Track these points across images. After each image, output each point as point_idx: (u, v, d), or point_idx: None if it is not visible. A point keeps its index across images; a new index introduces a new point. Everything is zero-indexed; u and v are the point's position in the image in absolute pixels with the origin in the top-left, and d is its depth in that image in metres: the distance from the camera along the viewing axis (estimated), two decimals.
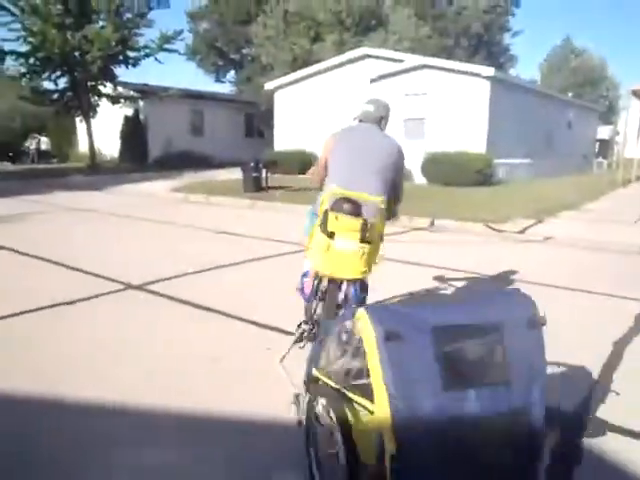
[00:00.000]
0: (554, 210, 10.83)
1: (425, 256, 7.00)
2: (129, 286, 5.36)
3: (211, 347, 3.86)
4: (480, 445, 1.80)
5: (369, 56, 19.17)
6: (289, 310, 4.56)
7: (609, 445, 2.71)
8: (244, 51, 38.36)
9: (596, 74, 45.02)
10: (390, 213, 3.58)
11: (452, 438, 1.77)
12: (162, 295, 5.09)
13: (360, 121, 3.73)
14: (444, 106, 17.31)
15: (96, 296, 5.01)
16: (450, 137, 16.90)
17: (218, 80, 41.82)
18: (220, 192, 13.06)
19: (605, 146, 32.07)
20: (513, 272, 6.22)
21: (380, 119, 3.75)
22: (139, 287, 5.34)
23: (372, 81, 18.85)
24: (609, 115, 42.04)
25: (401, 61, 18.39)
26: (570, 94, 33.88)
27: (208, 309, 4.70)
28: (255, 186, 13.28)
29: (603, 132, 32.96)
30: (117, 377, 3.38)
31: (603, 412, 3.04)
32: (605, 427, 2.88)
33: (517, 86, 19.83)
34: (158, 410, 3.01)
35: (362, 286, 3.38)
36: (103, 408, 3.02)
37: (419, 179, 16.92)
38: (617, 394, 3.26)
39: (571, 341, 4.14)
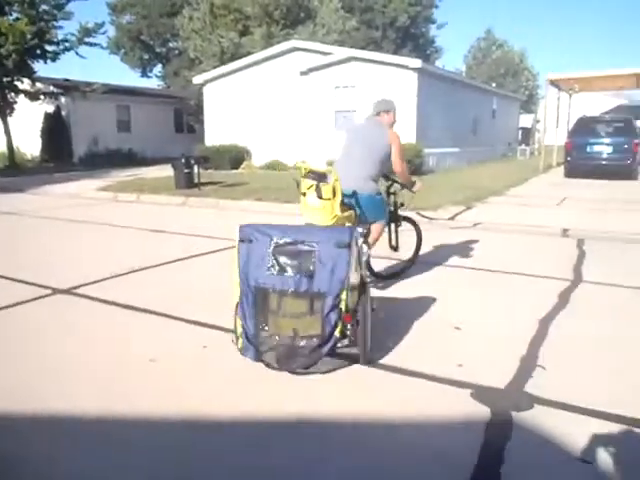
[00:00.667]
0: (482, 197, 11.23)
1: None
2: (56, 290, 5.13)
3: (148, 348, 3.76)
4: (289, 303, 3.24)
5: (298, 49, 19.16)
6: (226, 307, 4.52)
7: (538, 419, 2.85)
8: (170, 44, 37.46)
9: (516, 65, 46.87)
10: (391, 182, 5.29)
11: (273, 296, 3.25)
12: (94, 298, 4.90)
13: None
14: (373, 98, 17.52)
15: (19, 303, 4.77)
16: None
17: (144, 75, 40.65)
18: (151, 190, 12.71)
19: (527, 134, 33.55)
20: (445, 257, 6.41)
21: (378, 112, 4.97)
22: (68, 291, 5.12)
23: (302, 74, 18.87)
24: (530, 104, 43.92)
25: (330, 54, 18.48)
26: (493, 84, 35.14)
27: (144, 310, 4.57)
28: (187, 183, 13.00)
29: (525, 120, 34.45)
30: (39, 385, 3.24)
31: (531, 387, 3.19)
32: (533, 401, 3.02)
33: (443, 77, 20.38)
34: (91, 415, 2.90)
35: None
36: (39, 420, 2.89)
37: None
38: (543, 369, 3.42)
39: (500, 319, 4.32)
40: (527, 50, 48.32)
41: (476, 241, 7.55)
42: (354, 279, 3.31)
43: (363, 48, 23.61)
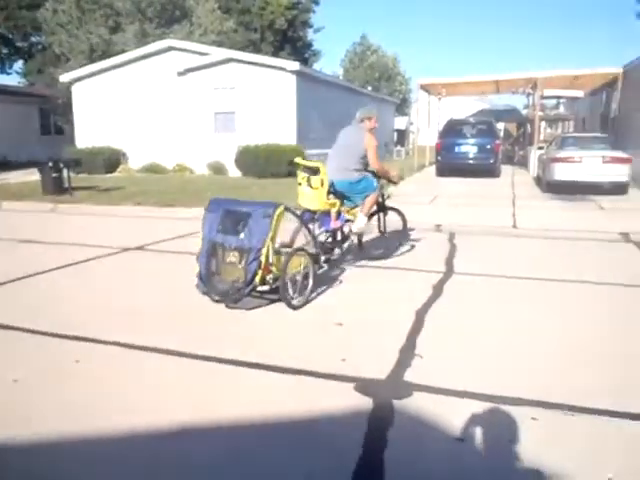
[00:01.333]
0: None
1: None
2: None
3: (11, 368, 3.46)
4: (229, 254, 4.47)
5: (174, 48, 18.63)
6: (103, 317, 4.28)
7: (417, 404, 3.00)
8: (33, 39, 34.79)
9: (390, 70, 49.07)
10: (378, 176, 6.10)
11: (219, 250, 4.50)
12: None
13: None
14: (253, 100, 17.53)
15: None
16: (261, 130, 17.19)
17: (3, 71, 37.40)
18: (15, 196, 11.74)
19: (402, 135, 35.24)
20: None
21: (362, 120, 6.03)
22: None
23: (179, 74, 18.39)
24: (404, 107, 46.15)
25: (208, 54, 18.17)
26: (369, 88, 36.52)
27: (8, 327, 4.20)
28: (56, 188, 12.13)
29: (400, 123, 36.14)
30: None
31: (410, 375, 3.35)
32: (412, 388, 3.17)
33: (322, 80, 20.82)
34: None
35: (328, 216, 5.58)
36: None
37: (234, 172, 16.97)
38: (421, 357, 3.61)
39: (380, 313, 4.49)
40: (399, 55, 50.66)
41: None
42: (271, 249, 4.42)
43: (242, 50, 23.46)
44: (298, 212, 5.20)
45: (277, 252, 4.55)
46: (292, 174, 15.69)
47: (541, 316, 4.48)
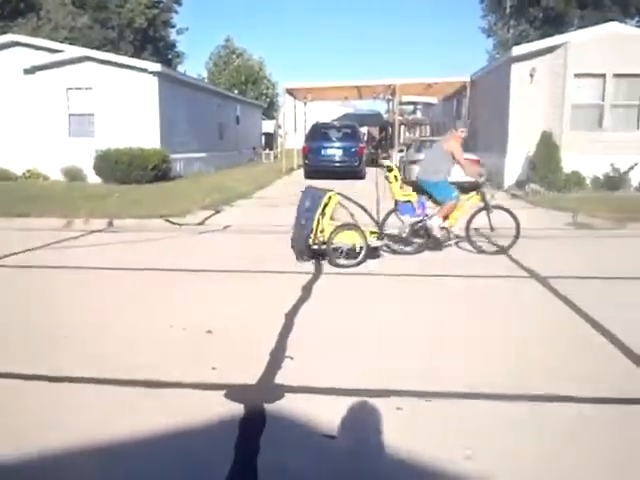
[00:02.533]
0: (231, 200, 11.51)
1: (91, 260, 6.67)
2: None
3: None
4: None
5: (20, 44, 17.09)
6: None
7: (288, 406, 3.00)
8: None
9: (256, 73, 49.18)
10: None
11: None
12: None
13: None
14: (113, 101, 16.61)
15: None
16: (123, 133, 16.33)
17: None
18: None
19: (270, 139, 35.48)
20: (194, 262, 6.38)
21: (453, 129, 7.43)
22: None
23: (27, 72, 16.91)
24: (271, 111, 46.53)
25: (60, 51, 16.92)
26: (236, 91, 36.31)
27: None
28: None
29: (267, 126, 36.36)
30: None
31: (281, 378, 3.35)
32: (284, 390, 3.17)
33: (186, 82, 20.30)
34: None
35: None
36: None
37: (93, 178, 15.96)
38: (291, 359, 3.63)
39: (250, 318, 4.46)
40: (265, 59, 50.86)
41: (226, 243, 7.69)
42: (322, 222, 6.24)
43: (99, 48, 22.22)
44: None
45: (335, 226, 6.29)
46: (159, 179, 15.19)
47: (406, 311, 4.71)
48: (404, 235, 7.02)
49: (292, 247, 6.45)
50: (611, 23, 14.72)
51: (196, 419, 2.89)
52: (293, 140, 24.10)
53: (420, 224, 6.98)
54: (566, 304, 4.86)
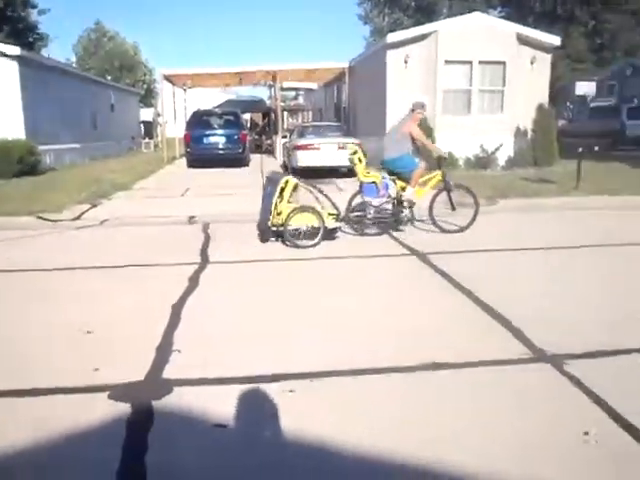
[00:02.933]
0: (108, 192, 10.91)
1: None
2: None
3: None
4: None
5: None
6: None
7: (178, 400, 2.93)
8: None
9: (131, 59, 46.89)
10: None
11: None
12: None
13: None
14: None
15: None
16: None
17: None
18: None
19: (150, 127, 34.04)
20: (69, 259, 6.00)
21: (411, 111, 7.48)
22: None
23: None
24: (149, 98, 44.67)
25: None
26: (109, 77, 34.38)
27: None
28: None
29: (146, 114, 34.84)
30: None
31: (169, 372, 3.25)
32: (172, 385, 3.08)
33: (54, 68, 18.86)
34: None
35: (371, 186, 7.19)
36: None
37: None
38: (179, 352, 3.53)
39: (134, 314, 4.27)
40: (140, 44, 48.55)
41: (104, 238, 7.31)
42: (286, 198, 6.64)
43: None
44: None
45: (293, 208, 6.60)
46: (27, 173, 13.98)
47: (286, 295, 4.75)
48: (369, 216, 7.16)
49: (257, 228, 6.80)
50: (475, 13, 15.69)
51: (80, 424, 2.73)
52: (173, 128, 23.27)
53: (384, 205, 7.17)
54: (443, 277, 5.17)
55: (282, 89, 22.47)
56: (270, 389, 3.03)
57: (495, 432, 2.66)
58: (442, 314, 4.24)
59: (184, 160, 18.32)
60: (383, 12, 43.68)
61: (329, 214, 6.73)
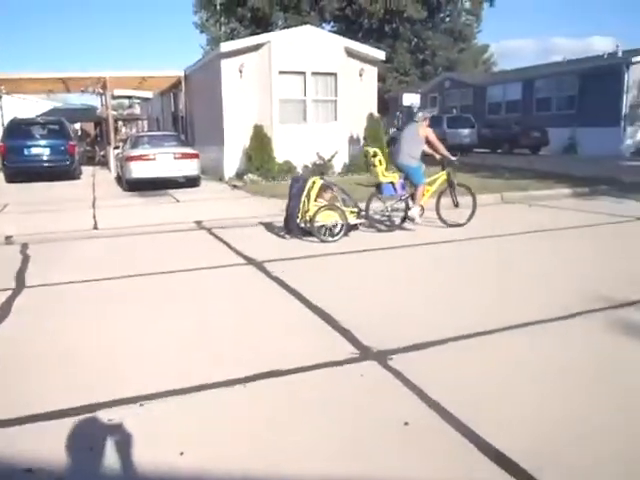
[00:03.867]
0: None
1: None
2: None
3: None
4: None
5: None
6: None
7: None
8: None
9: None
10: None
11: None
12: None
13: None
14: None
15: None
16: None
17: None
18: None
19: None
20: None
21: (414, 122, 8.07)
22: None
23: None
24: None
25: None
26: None
27: None
28: None
29: None
30: None
31: None
32: None
33: None
34: None
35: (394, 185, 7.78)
36: None
37: None
38: None
39: None
40: None
41: None
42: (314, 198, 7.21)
43: None
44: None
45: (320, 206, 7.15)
46: None
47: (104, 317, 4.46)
48: (387, 214, 7.93)
49: (284, 226, 7.45)
50: (307, 26, 16.22)
51: None
52: None
53: (400, 203, 7.88)
54: (279, 285, 5.20)
55: (114, 97, 21.28)
56: (89, 422, 2.79)
57: (323, 432, 2.70)
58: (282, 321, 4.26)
59: (2, 175, 16.50)
60: (219, 21, 43.49)
61: (351, 212, 7.47)
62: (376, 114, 15.47)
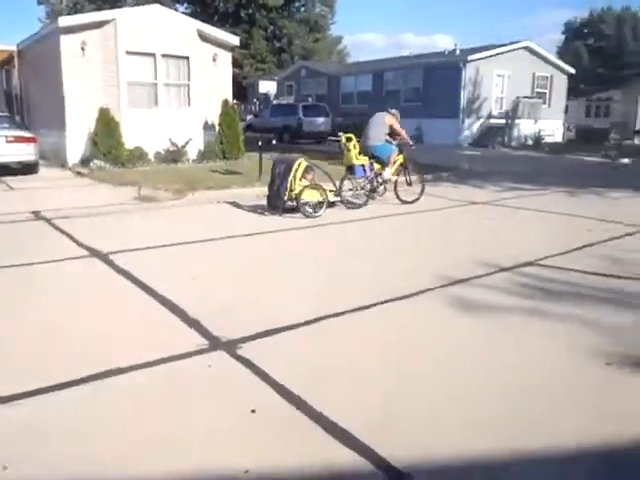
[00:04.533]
0: None
1: None
2: None
3: None
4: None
5: None
6: None
7: None
8: None
9: None
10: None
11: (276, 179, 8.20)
12: None
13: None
14: None
15: None
16: None
17: None
18: None
19: None
20: None
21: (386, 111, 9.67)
22: None
23: None
24: None
25: None
26: None
27: None
28: None
29: None
30: None
31: None
32: None
33: None
34: None
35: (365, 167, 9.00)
36: None
37: None
38: None
39: None
40: None
41: None
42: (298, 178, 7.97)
43: None
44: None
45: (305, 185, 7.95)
46: None
47: None
48: (367, 189, 8.99)
49: (268, 204, 8.13)
50: (155, 5, 15.39)
51: None
52: None
53: (369, 181, 9.01)
54: (126, 277, 4.92)
55: None
56: None
57: (170, 428, 2.59)
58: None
59: None
60: None
61: (330, 190, 8.33)
62: (231, 100, 15.23)
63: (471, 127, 23.66)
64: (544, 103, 25.51)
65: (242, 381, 3.07)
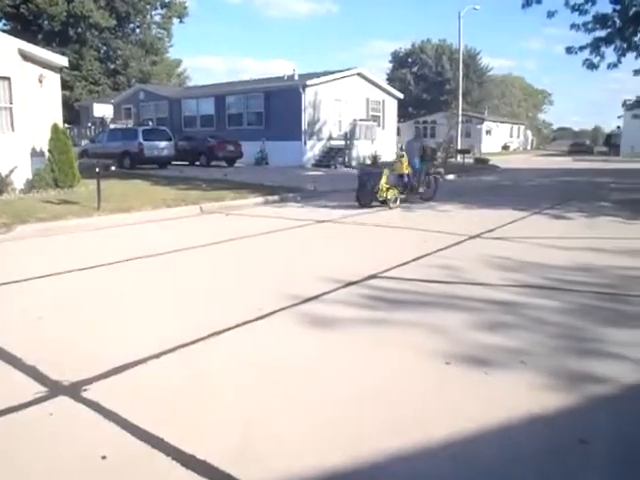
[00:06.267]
0: None
1: None
2: None
3: None
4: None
5: None
6: None
7: None
8: None
9: None
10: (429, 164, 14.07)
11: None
12: None
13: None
14: None
15: None
16: None
17: None
18: None
19: None
20: None
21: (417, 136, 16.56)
22: None
23: None
24: None
25: None
26: None
27: None
28: None
29: None
30: None
31: None
32: None
33: None
34: None
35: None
36: None
37: None
38: None
39: None
40: None
41: None
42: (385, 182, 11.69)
43: None
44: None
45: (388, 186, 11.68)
46: None
47: None
48: (421, 190, 12.75)
49: (357, 199, 11.55)
50: None
51: None
52: None
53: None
54: None
55: None
56: None
57: None
58: None
59: None
60: None
61: (399, 191, 11.96)
62: (62, 125, 14.23)
63: (313, 148, 24.60)
64: (379, 125, 27.42)
65: (90, 426, 2.84)
